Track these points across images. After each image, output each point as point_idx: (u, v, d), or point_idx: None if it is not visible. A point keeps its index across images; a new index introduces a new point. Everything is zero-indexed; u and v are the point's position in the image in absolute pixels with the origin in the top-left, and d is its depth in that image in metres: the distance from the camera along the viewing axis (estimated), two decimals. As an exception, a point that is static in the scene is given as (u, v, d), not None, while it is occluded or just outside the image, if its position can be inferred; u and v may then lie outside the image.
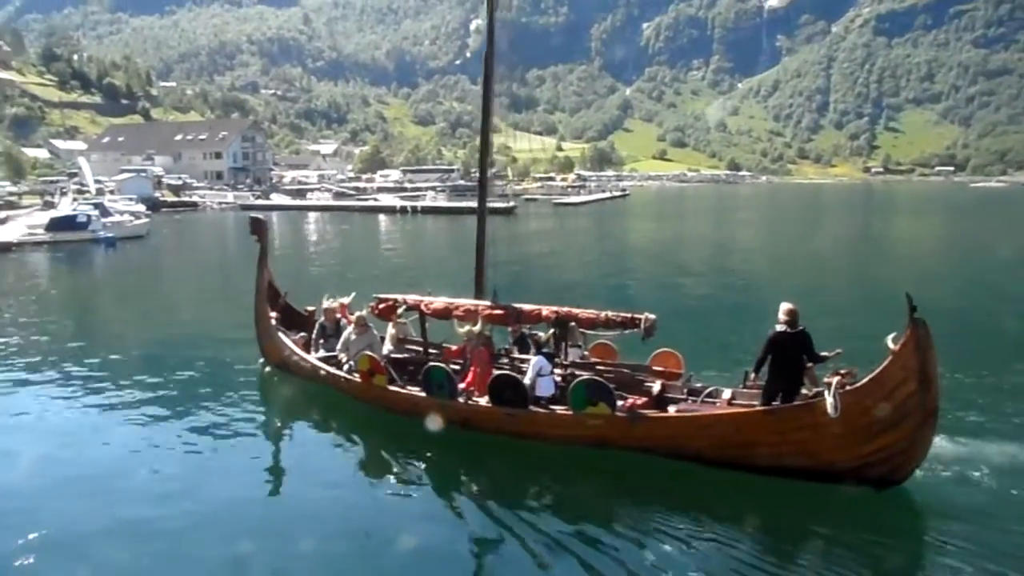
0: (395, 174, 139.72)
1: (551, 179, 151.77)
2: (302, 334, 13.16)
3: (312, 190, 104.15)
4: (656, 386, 10.01)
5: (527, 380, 9.75)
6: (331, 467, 9.80)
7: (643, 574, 6.84)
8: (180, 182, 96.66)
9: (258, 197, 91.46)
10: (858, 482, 7.95)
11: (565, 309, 10.24)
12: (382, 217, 68.59)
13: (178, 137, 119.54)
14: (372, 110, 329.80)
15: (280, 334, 13.04)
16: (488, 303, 10.91)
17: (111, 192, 68.84)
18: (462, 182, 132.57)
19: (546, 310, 10.31)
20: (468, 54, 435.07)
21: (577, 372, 10.13)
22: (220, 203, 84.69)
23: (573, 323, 10.33)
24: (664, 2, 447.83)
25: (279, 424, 11.63)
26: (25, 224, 42.34)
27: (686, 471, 8.61)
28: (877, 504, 7.89)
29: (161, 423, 11.10)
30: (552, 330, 10.61)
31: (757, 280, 27.62)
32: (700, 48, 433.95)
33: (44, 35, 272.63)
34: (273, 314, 13.45)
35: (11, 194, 75.98)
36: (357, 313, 11.87)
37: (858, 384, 7.83)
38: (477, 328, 10.44)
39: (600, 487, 8.69)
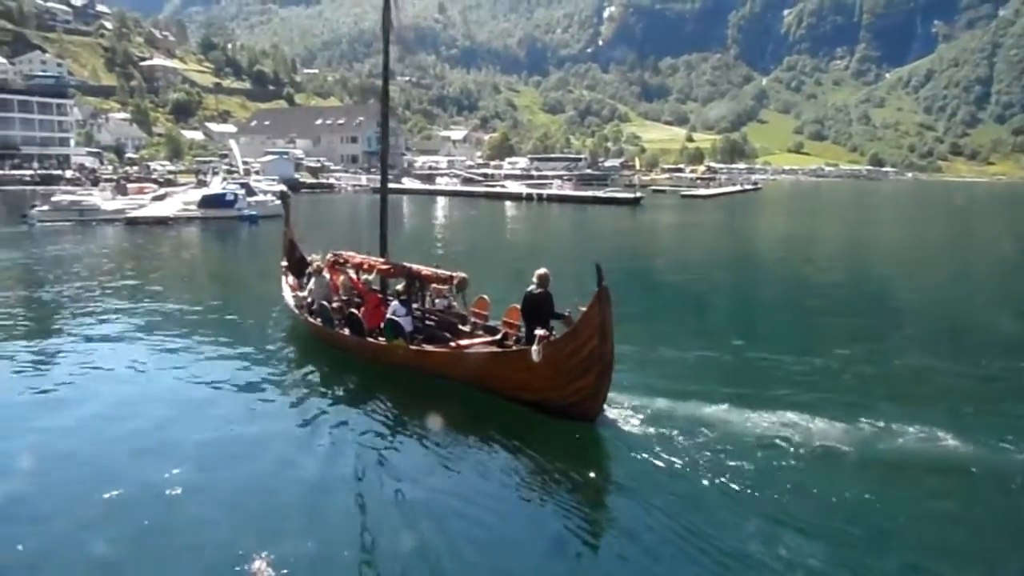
0: (522, 162, 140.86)
1: (680, 170, 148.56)
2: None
3: (441, 175, 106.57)
4: (500, 334, 11.97)
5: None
6: (258, 364, 12.91)
7: (396, 463, 8.81)
8: (318, 164, 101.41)
9: (390, 181, 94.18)
10: (567, 418, 9.53)
11: (417, 267, 13.00)
12: (508, 204, 69.14)
13: (318, 121, 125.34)
14: (502, 97, 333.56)
15: (282, 278, 16.62)
16: (382, 260, 13.65)
17: (256, 173, 72.83)
18: (589, 171, 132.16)
19: (405, 268, 13.04)
20: (600, 42, 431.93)
21: (430, 316, 13.07)
22: (354, 185, 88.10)
23: (419, 279, 12.98)
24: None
25: (262, 338, 14.79)
26: (181, 200, 45.34)
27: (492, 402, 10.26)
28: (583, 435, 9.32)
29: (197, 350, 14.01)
30: (405, 282, 12.98)
31: (882, 286, 25.80)
32: (845, 36, 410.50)
33: (204, 26, 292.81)
34: (284, 263, 17.11)
35: (170, 172, 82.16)
36: (315, 264, 14.72)
37: (559, 336, 9.67)
38: (371, 278, 13.61)
39: (402, 397, 10.85)
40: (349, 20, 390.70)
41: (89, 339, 14.62)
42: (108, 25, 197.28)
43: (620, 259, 30.95)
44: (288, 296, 15.51)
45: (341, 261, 14.41)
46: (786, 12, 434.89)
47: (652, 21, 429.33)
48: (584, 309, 9.08)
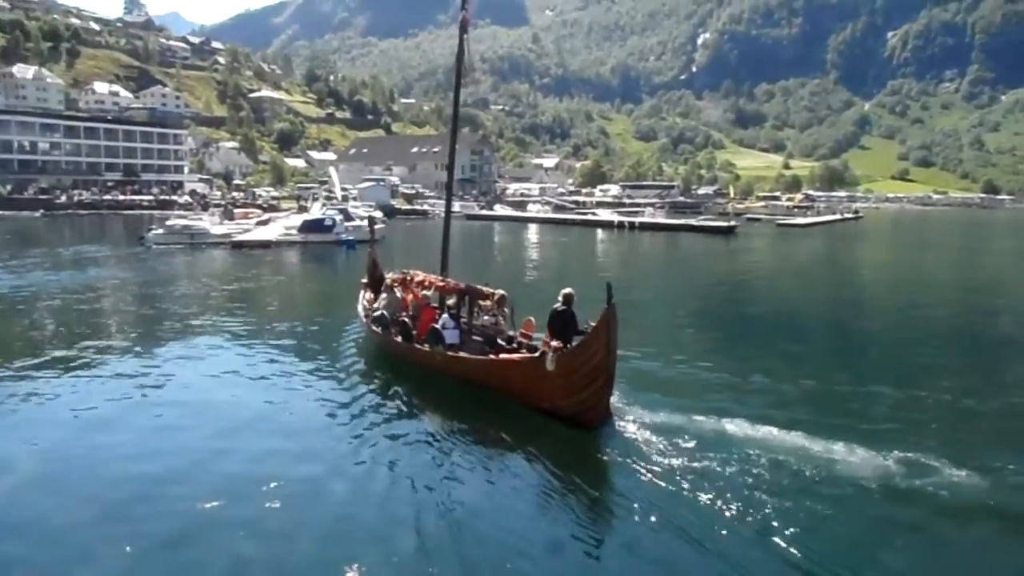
0: (614, 189, 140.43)
1: (776, 198, 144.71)
2: None
3: (533, 202, 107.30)
4: (539, 352, 12.29)
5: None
6: (322, 362, 15.09)
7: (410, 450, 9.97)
8: (413, 191, 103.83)
9: (483, 207, 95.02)
10: (576, 425, 10.31)
11: (467, 285, 14.45)
12: (599, 231, 68.73)
13: (414, 149, 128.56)
14: (595, 125, 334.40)
15: (360, 292, 18.07)
16: (440, 278, 15.35)
17: (354, 199, 75.26)
18: (681, 199, 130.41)
19: (459, 286, 14.52)
20: (694, 69, 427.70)
21: (476, 331, 14.13)
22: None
23: (469, 295, 14.36)
24: (913, 8, 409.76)
25: (335, 343, 16.78)
26: (283, 225, 47.22)
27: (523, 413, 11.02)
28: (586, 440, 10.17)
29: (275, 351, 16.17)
30: (455, 298, 14.27)
31: (990, 325, 24.05)
32: (955, 57, 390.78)
33: (308, 59, 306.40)
34: (364, 280, 18.49)
35: (274, 198, 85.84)
36: (387, 280, 16.44)
37: (570, 348, 10.57)
38: (429, 294, 15.24)
39: (437, 398, 12.16)
40: (445, 51, 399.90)
41: (190, 344, 16.65)
42: (221, 60, 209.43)
43: (711, 288, 30.28)
44: (360, 308, 17.07)
45: (408, 279, 16.04)
46: (890, 34, 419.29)
47: (748, 47, 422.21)
48: (594, 324, 10.02)
